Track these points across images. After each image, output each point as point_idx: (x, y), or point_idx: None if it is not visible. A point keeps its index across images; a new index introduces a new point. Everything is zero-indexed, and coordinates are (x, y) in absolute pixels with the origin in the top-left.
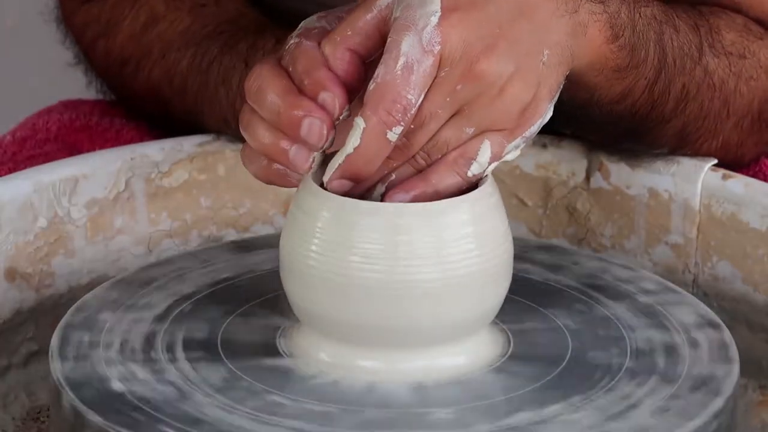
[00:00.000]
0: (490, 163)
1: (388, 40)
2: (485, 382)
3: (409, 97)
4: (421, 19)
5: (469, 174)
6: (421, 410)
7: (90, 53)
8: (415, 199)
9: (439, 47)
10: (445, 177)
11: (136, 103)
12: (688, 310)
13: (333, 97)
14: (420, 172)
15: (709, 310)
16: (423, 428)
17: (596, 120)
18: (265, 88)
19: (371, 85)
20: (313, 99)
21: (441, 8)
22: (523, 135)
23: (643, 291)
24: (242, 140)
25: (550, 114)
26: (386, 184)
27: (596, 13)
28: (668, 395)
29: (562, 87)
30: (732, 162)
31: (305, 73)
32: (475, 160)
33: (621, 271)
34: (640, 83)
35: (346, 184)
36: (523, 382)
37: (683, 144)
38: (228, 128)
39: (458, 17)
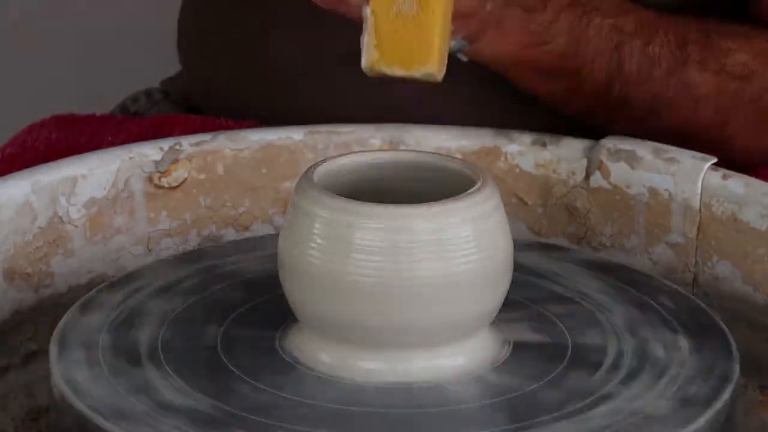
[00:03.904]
0: None
1: None
2: (485, 382)
3: None
4: None
5: None
6: (420, 410)
7: None
8: None
9: None
10: None
11: None
12: (687, 309)
13: None
14: None
15: (708, 309)
16: (423, 428)
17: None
18: None
19: None
20: None
21: None
22: None
23: (605, 273)
24: None
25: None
26: None
27: (516, 17)
28: (667, 395)
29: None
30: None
31: None
32: None
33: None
34: (586, 88)
35: None
36: (524, 383)
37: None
38: None
39: None
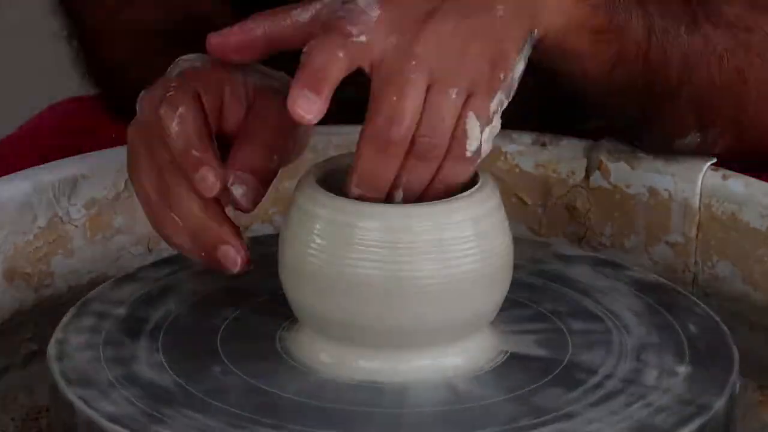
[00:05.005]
0: (482, 132)
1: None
2: (484, 382)
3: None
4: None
5: (469, 153)
6: (421, 410)
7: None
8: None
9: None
10: (449, 171)
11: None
12: (687, 310)
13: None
14: (427, 160)
15: (708, 309)
16: (423, 428)
17: (603, 101)
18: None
19: None
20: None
21: None
22: (501, 89)
23: (647, 294)
24: None
25: (521, 68)
26: (401, 188)
27: None
28: (626, 423)
29: (551, 56)
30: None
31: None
32: (467, 138)
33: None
34: (630, 48)
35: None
36: (523, 383)
37: (705, 122)
38: None
39: None
